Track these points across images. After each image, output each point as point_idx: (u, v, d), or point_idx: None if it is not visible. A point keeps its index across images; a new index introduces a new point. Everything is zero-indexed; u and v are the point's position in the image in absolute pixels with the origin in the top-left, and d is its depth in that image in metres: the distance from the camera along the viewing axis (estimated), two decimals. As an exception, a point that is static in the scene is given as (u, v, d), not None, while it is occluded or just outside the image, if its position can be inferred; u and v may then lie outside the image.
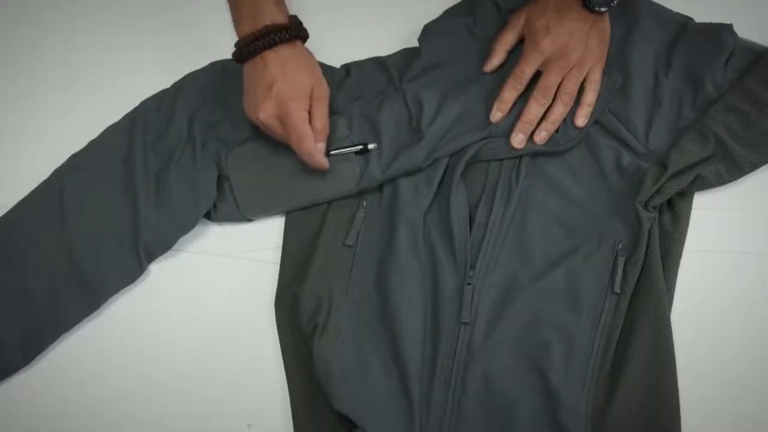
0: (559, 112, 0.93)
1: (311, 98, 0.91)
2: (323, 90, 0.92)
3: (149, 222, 0.94)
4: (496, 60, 0.97)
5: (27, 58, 1.08)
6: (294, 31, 0.91)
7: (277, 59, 0.90)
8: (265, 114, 0.90)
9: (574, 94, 0.93)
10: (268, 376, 0.92)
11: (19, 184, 0.98)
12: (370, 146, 0.95)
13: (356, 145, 0.94)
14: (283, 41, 0.89)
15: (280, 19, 0.90)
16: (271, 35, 0.89)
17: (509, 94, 0.94)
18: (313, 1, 1.05)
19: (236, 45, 0.91)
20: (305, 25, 0.94)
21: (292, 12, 0.95)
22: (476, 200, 0.93)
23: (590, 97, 0.93)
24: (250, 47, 0.90)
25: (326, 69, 0.98)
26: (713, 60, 0.94)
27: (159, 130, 0.98)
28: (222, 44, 0.95)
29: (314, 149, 0.90)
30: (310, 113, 0.91)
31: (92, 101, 1.05)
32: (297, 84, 0.90)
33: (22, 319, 0.93)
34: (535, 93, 0.93)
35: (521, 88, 0.94)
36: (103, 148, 0.99)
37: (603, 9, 0.91)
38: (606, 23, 0.94)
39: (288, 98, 0.89)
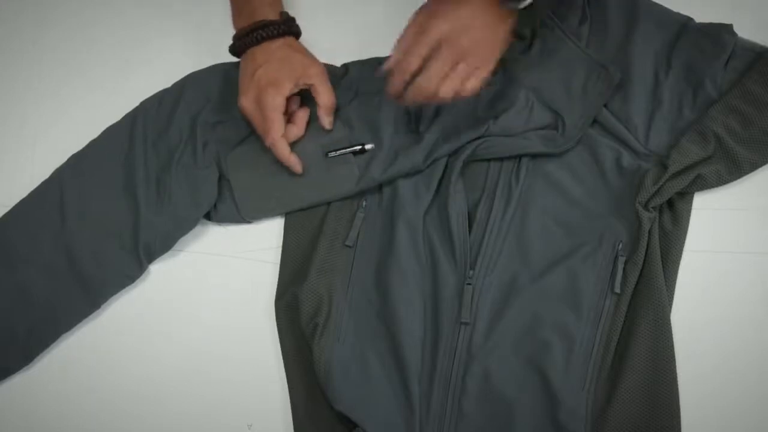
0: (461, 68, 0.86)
1: (307, 78, 0.91)
2: (317, 68, 0.93)
3: (149, 222, 0.94)
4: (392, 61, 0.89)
5: (27, 57, 1.08)
6: (283, 27, 0.93)
7: (265, 52, 0.92)
8: (246, 100, 0.91)
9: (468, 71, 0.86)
10: (268, 376, 0.92)
11: (19, 184, 0.98)
12: (367, 146, 0.95)
13: (354, 145, 0.94)
14: (271, 37, 0.92)
15: (272, 16, 0.93)
16: (260, 31, 0.92)
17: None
18: (314, 1, 1.05)
19: (233, 39, 0.94)
20: (304, 25, 0.94)
21: (293, 13, 0.96)
22: (476, 200, 0.93)
23: (473, 82, 0.87)
24: (241, 41, 0.93)
25: (326, 67, 0.97)
26: (713, 60, 0.94)
27: (159, 129, 0.98)
28: (223, 44, 0.95)
29: (278, 140, 0.91)
30: (313, 91, 0.92)
31: (92, 101, 1.05)
32: (279, 70, 0.91)
33: (23, 319, 0.93)
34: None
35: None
36: (104, 148, 0.99)
37: (511, 5, 0.85)
38: (507, 26, 0.88)
39: (266, 84, 0.90)
